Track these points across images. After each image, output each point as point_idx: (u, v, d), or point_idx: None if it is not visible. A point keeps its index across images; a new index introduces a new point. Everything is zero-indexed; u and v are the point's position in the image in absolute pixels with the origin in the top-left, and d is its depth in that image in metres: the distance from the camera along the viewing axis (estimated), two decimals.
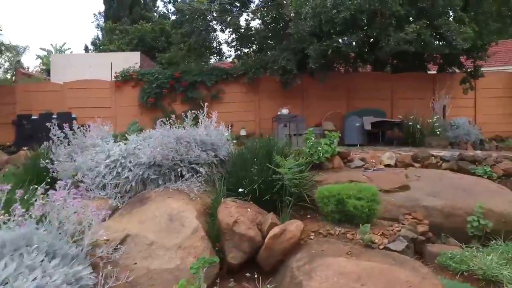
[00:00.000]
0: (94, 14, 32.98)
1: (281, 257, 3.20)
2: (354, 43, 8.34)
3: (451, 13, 8.24)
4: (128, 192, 4.23)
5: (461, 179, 4.59)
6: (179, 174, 4.20)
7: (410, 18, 7.44)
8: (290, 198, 3.94)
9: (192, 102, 10.96)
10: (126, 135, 5.13)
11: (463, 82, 11.16)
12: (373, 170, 5.05)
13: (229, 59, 14.14)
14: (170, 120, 4.68)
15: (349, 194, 3.42)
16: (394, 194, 4.23)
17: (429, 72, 12.76)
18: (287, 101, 10.90)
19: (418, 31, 7.06)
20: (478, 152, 5.91)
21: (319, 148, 4.92)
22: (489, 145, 9.51)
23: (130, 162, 4.29)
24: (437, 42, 8.19)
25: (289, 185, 3.75)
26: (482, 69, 11.18)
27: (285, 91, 10.79)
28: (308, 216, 4.24)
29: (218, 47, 12.87)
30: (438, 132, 9.43)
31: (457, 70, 11.57)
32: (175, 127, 4.61)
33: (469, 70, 11.20)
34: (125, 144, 4.70)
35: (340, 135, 9.97)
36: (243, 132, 10.75)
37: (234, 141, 5.92)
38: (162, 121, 4.69)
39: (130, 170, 4.24)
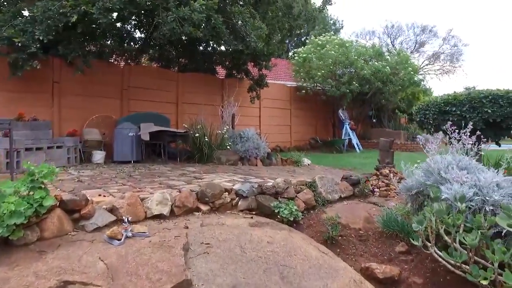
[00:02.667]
0: None
1: None
2: (116, 15, 5.72)
3: (242, 6, 6.90)
4: None
5: (271, 244, 2.77)
6: None
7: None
8: None
9: None
10: None
11: (250, 90, 10.50)
12: (126, 237, 2.59)
13: None
14: None
15: None
16: None
17: (218, 76, 11.64)
18: (26, 96, 7.14)
19: (207, 12, 5.23)
20: (279, 181, 4.48)
21: None
22: (275, 159, 8.92)
23: None
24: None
25: None
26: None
27: (23, 81, 6.94)
28: None
29: None
30: (228, 146, 8.07)
31: (244, 77, 10.85)
32: None
33: (255, 78, 10.64)
34: None
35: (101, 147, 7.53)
36: None
37: None
38: None
39: None
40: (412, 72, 12.55)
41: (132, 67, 9.66)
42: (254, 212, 4.04)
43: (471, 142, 3.57)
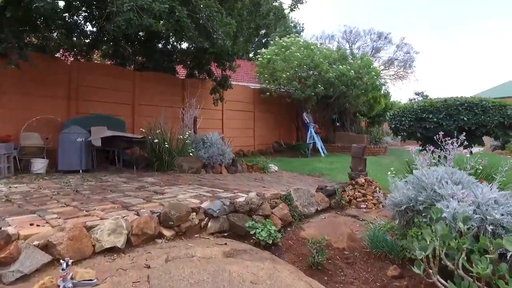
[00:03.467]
0: None
1: None
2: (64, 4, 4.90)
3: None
4: None
5: (256, 284, 2.24)
6: None
7: None
8: None
9: None
10: None
11: (213, 91, 9.89)
12: None
13: None
14: None
15: None
16: None
17: (179, 76, 10.91)
18: None
19: (170, 2, 4.58)
20: (253, 196, 3.96)
21: None
22: (241, 166, 8.39)
23: None
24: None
25: None
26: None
27: None
28: None
29: None
30: (190, 152, 7.42)
31: (207, 78, 10.23)
32: None
33: (218, 79, 10.07)
34: None
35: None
36: None
37: None
38: None
39: None
40: (375, 77, 12.63)
41: (82, 64, 8.68)
42: (226, 234, 3.50)
43: (468, 155, 3.28)
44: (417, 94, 55.23)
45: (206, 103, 10.00)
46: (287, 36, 13.54)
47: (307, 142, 12.64)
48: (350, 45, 32.68)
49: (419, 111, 5.30)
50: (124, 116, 8.31)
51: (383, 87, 15.60)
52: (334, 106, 13.94)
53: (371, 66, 12.92)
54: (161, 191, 4.42)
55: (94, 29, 9.04)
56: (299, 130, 14.37)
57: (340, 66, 12.12)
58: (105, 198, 3.80)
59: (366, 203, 5.21)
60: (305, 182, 7.30)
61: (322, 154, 12.34)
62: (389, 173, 6.53)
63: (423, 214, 3.36)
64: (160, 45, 10.13)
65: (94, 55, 10.56)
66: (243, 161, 8.78)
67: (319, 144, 12.70)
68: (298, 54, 11.78)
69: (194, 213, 3.33)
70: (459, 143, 3.49)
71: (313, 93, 11.91)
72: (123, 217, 2.84)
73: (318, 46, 13.57)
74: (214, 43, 5.79)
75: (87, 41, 9.30)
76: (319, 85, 11.88)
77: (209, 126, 10.59)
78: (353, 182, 5.61)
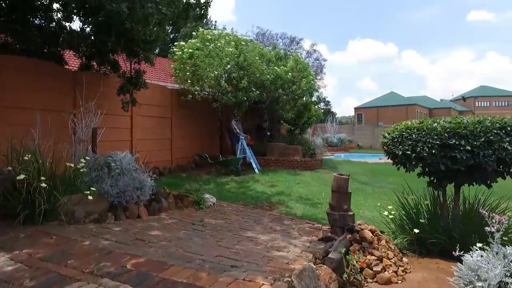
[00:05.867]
0: None
1: None
2: None
3: None
4: None
5: None
6: None
7: None
8: None
9: None
10: None
11: (122, 91, 7.13)
12: None
13: None
14: None
15: None
16: None
17: (68, 68, 7.78)
18: None
19: None
20: None
21: None
22: (166, 200, 5.87)
23: None
24: None
25: None
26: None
27: None
28: None
29: None
30: (87, 187, 4.65)
31: (112, 72, 7.40)
32: None
33: (127, 74, 7.37)
34: None
35: None
36: None
37: None
38: None
39: None
40: (312, 81, 11.29)
41: None
42: None
43: None
44: (318, 98, 58.24)
45: (111, 107, 7.16)
46: (211, 28, 11.31)
47: (238, 156, 10.57)
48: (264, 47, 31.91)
49: (446, 135, 3.70)
50: None
51: (316, 94, 14.53)
52: (264, 113, 12.18)
53: (308, 70, 11.52)
54: None
55: None
56: (223, 140, 12.23)
57: (276, 68, 10.41)
58: None
59: (386, 271, 3.41)
60: (263, 225, 5.21)
61: (256, 170, 10.42)
62: (384, 211, 4.91)
63: None
64: (37, 21, 6.93)
65: None
66: (168, 191, 6.22)
67: (252, 158, 10.77)
68: (230, 49, 9.67)
69: None
70: None
71: (245, 98, 9.93)
72: None
73: (250, 42, 11.59)
74: (137, 8, 3.29)
75: None
76: (253, 89, 9.97)
77: (114, 138, 7.74)
78: (357, 238, 3.75)
